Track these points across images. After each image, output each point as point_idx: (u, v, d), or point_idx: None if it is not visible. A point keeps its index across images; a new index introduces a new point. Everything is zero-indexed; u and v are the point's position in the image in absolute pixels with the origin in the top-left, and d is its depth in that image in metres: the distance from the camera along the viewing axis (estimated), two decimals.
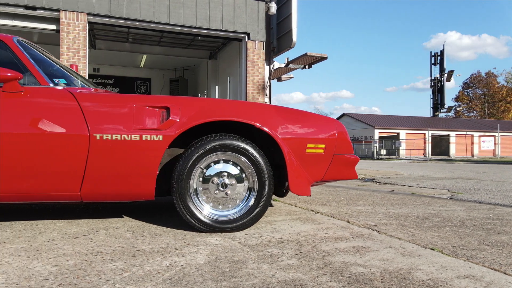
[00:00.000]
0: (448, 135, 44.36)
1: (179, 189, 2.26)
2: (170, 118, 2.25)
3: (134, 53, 13.19)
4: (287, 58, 12.87)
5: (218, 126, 2.54)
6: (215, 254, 1.90)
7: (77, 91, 2.31)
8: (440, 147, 44.72)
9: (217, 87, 13.32)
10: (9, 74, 2.10)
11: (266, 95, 10.97)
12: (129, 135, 2.20)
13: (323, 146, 2.53)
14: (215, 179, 2.38)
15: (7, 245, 2.07)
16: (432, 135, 42.91)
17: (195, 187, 2.33)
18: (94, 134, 2.16)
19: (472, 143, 45.32)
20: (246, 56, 9.89)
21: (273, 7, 10.06)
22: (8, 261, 1.79)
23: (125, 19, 8.66)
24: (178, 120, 2.27)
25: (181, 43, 12.28)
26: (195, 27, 9.25)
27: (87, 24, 8.43)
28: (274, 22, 11.61)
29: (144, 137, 2.22)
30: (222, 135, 2.34)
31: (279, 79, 14.49)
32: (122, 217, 2.89)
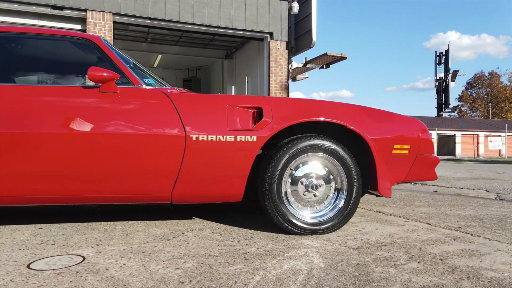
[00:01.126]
0: (454, 135, 44.24)
1: (271, 192, 2.23)
2: (263, 119, 2.22)
3: (150, 53, 13.18)
4: (305, 58, 12.83)
5: (296, 126, 2.51)
6: (327, 257, 1.87)
7: (168, 91, 2.29)
8: (448, 146, 44.62)
9: (233, 87, 13.30)
10: (107, 74, 2.07)
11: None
12: (224, 136, 2.17)
13: (408, 147, 2.50)
14: (304, 180, 2.35)
15: (107, 246, 2.04)
16: (439, 135, 42.82)
17: (285, 189, 2.30)
18: (190, 135, 2.14)
19: (478, 143, 45.20)
20: (269, 56, 9.87)
21: (295, 7, 10.04)
22: (125, 263, 1.77)
23: (150, 18, 8.65)
24: (271, 121, 2.24)
25: (199, 43, 12.26)
26: (218, 27, 9.23)
27: (113, 24, 8.41)
28: (292, 21, 11.57)
29: (238, 138, 2.19)
30: (312, 135, 2.31)
31: (293, 79, 14.45)
32: (193, 218, 2.86)
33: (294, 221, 2.27)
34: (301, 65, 12.54)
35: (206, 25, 9.09)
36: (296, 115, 2.28)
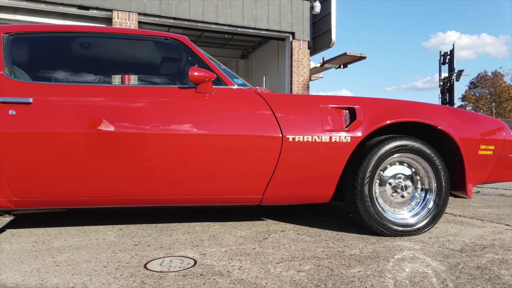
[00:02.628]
0: None
1: (363, 193, 2.21)
2: (357, 119, 2.20)
3: None
4: (323, 58, 12.80)
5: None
6: (439, 259, 1.84)
7: (259, 91, 2.27)
8: None
9: None
10: (206, 74, 2.05)
11: None
12: (320, 137, 2.15)
13: (492, 147, 2.47)
14: (392, 181, 2.33)
15: (206, 248, 2.02)
16: None
17: (375, 190, 2.28)
18: (287, 136, 2.12)
19: None
20: (291, 56, 9.84)
21: (318, 6, 10.01)
22: (241, 266, 1.75)
23: (174, 18, 8.63)
24: (363, 121, 2.21)
25: (216, 43, 12.24)
26: (241, 27, 9.21)
27: (138, 24, 8.39)
28: (310, 21, 11.53)
29: (333, 139, 2.17)
30: (401, 136, 2.29)
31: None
32: (262, 219, 2.84)
33: (385, 222, 2.24)
34: (318, 65, 12.50)
35: (229, 25, 9.07)
36: (387, 116, 2.26)
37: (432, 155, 2.30)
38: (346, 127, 2.20)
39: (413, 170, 2.37)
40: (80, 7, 7.96)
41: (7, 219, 2.14)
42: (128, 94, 2.05)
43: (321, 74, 14.67)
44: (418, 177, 2.37)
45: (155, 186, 2.04)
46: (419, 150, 2.29)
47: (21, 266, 1.76)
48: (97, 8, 8.07)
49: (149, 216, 2.93)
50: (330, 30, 11.05)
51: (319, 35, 11.36)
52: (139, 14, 8.34)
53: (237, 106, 2.14)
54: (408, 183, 2.35)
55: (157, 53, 2.39)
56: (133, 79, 2.38)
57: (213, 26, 8.98)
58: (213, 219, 2.82)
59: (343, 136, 2.18)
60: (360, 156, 2.25)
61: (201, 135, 2.05)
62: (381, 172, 2.31)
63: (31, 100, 1.89)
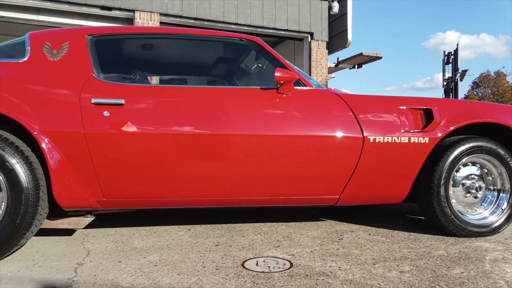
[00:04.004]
0: None
1: (439, 194, 2.21)
2: (434, 120, 2.20)
3: None
4: (337, 58, 12.80)
5: None
6: None
7: (337, 92, 2.27)
8: None
9: None
10: (290, 75, 2.06)
11: None
12: (399, 138, 2.16)
13: None
14: (465, 182, 2.33)
15: (290, 249, 2.03)
16: None
17: (450, 191, 2.29)
18: (368, 137, 2.12)
19: None
20: (310, 56, 9.85)
21: (336, 6, 10.01)
22: (340, 266, 1.76)
23: (195, 19, 8.64)
24: (441, 122, 2.22)
25: None
26: (261, 27, 9.21)
27: (159, 25, 8.41)
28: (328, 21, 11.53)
29: (412, 140, 2.17)
30: (476, 137, 2.29)
31: None
32: (323, 220, 2.84)
33: (461, 223, 2.24)
34: (333, 65, 12.51)
35: (249, 25, 9.07)
36: (463, 117, 2.26)
37: (506, 156, 2.31)
38: (424, 128, 2.21)
39: (485, 170, 2.37)
40: (103, 7, 7.98)
41: (89, 219, 2.15)
42: (213, 95, 2.06)
43: (333, 74, 14.68)
44: (490, 178, 2.38)
45: (240, 187, 2.05)
46: (493, 151, 2.29)
47: (120, 265, 1.77)
48: (119, 9, 8.09)
49: (207, 216, 2.94)
50: (346, 30, 11.06)
51: (335, 35, 11.36)
52: (161, 14, 8.36)
53: (317, 107, 2.14)
54: (481, 183, 2.35)
55: (231, 54, 2.40)
56: (209, 80, 2.39)
57: (233, 26, 8.98)
58: (271, 219, 2.82)
59: (421, 137, 2.18)
60: (435, 157, 2.25)
61: (284, 136, 2.05)
62: (455, 173, 2.32)
63: (123, 101, 1.90)
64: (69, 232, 2.40)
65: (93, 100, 1.88)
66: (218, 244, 2.13)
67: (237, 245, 2.12)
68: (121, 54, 2.21)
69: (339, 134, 2.11)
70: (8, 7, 7.74)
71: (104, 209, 2.05)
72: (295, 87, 2.17)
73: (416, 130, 2.19)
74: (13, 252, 1.91)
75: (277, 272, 1.68)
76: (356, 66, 12.82)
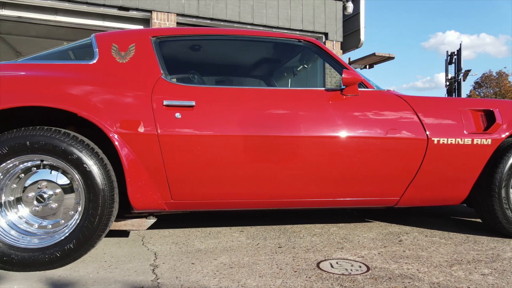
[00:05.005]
0: None
1: (500, 196, 2.21)
2: (496, 121, 2.20)
3: None
4: (349, 58, 12.79)
5: None
6: None
7: (397, 93, 2.27)
8: None
9: None
10: (356, 77, 2.06)
11: None
12: (462, 139, 2.15)
13: None
14: None
15: (355, 250, 2.03)
16: None
17: (511, 193, 2.28)
18: (432, 138, 2.12)
19: None
20: None
21: (350, 7, 10.01)
22: (426, 270, 1.75)
23: (211, 19, 8.64)
24: (502, 123, 2.22)
25: None
26: (276, 27, 9.20)
27: (176, 25, 8.40)
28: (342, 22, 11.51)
29: (475, 141, 2.17)
30: None
31: None
32: (370, 221, 2.84)
33: None
34: None
35: (264, 26, 9.06)
36: None
37: None
38: (485, 129, 2.20)
39: None
40: (120, 8, 7.98)
41: (152, 220, 2.14)
42: (280, 97, 2.06)
43: None
44: None
45: (307, 188, 2.05)
46: None
47: (195, 267, 1.77)
48: (137, 9, 8.09)
49: (254, 217, 2.94)
50: (358, 30, 11.05)
51: (347, 35, 11.34)
52: (178, 14, 8.36)
53: (381, 108, 2.14)
54: None
55: (290, 55, 2.40)
56: (268, 82, 2.39)
57: (249, 26, 8.98)
58: (318, 220, 2.82)
59: (484, 139, 2.18)
60: (496, 158, 2.25)
61: (350, 137, 2.05)
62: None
63: (194, 103, 1.90)
64: (125, 233, 2.40)
65: (165, 102, 1.87)
66: (280, 246, 2.13)
67: (299, 247, 2.12)
68: (185, 55, 2.21)
69: (403, 135, 2.11)
70: (26, 7, 7.75)
71: (169, 211, 2.04)
72: (360, 89, 2.17)
73: (478, 132, 2.19)
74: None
75: (358, 274, 1.68)
76: (367, 66, 12.81)
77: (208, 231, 2.49)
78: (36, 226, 1.82)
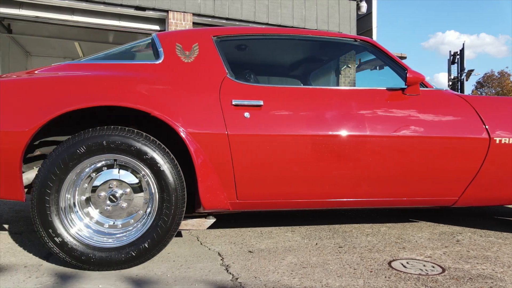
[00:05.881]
0: None
1: None
2: None
3: None
4: (359, 59, 12.78)
5: None
6: None
7: (456, 93, 2.27)
8: None
9: None
10: (419, 76, 2.05)
11: None
12: None
13: None
14: None
15: (426, 250, 2.03)
16: None
17: None
18: (494, 138, 2.11)
19: None
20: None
21: (364, 6, 10.00)
22: (506, 270, 1.75)
23: (227, 19, 8.64)
24: None
25: None
26: (291, 27, 9.20)
27: (192, 25, 8.41)
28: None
29: None
30: None
31: None
32: (416, 221, 2.84)
33: None
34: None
35: (279, 25, 9.07)
36: None
37: None
38: None
39: None
40: (137, 8, 7.99)
41: (211, 220, 2.14)
42: (345, 96, 2.06)
43: None
44: None
45: (370, 188, 2.05)
46: None
47: (268, 267, 1.76)
48: (153, 9, 8.10)
49: (297, 217, 2.93)
50: (371, 29, 11.08)
51: (360, 35, 11.35)
52: (194, 14, 8.36)
53: (443, 108, 2.14)
54: None
55: (346, 55, 2.39)
56: (325, 81, 2.39)
57: (264, 26, 8.98)
58: (362, 220, 2.82)
59: None
60: None
61: (413, 137, 2.05)
62: None
63: (262, 102, 1.89)
64: (178, 233, 2.40)
65: (234, 102, 1.87)
66: (341, 246, 2.13)
67: (359, 246, 2.12)
68: (244, 54, 2.21)
69: (465, 135, 2.10)
70: (43, 7, 7.75)
71: (233, 211, 2.04)
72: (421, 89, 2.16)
73: None
74: None
75: (435, 275, 1.67)
76: (377, 68, 12.79)
77: (259, 231, 2.48)
78: (107, 226, 1.81)
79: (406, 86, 2.10)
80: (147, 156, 1.72)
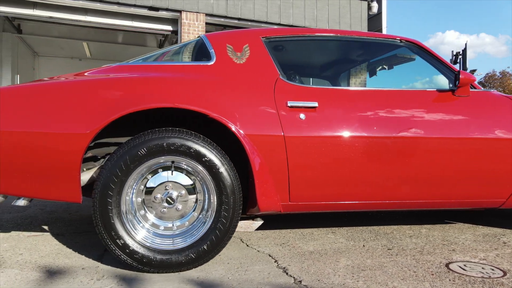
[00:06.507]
0: None
1: None
2: None
3: None
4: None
5: None
6: None
7: (501, 94, 2.26)
8: None
9: None
10: (470, 77, 2.05)
11: None
12: None
13: None
14: None
15: (479, 252, 2.01)
16: None
17: None
18: None
19: None
20: None
21: (375, 7, 9.99)
22: None
23: (239, 19, 8.63)
24: None
25: None
26: (303, 27, 9.19)
27: (205, 25, 8.40)
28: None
29: None
30: None
31: None
32: (452, 223, 2.82)
33: None
34: None
35: (291, 25, 9.06)
36: None
37: None
38: None
39: None
40: (150, 8, 7.98)
41: (259, 222, 2.13)
42: (396, 97, 2.05)
43: None
44: None
45: (421, 190, 2.03)
46: None
47: (326, 269, 1.75)
48: (166, 9, 8.09)
49: (330, 218, 2.92)
50: (381, 30, 11.04)
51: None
52: (206, 14, 8.35)
53: (493, 109, 2.13)
54: None
55: (390, 56, 2.39)
56: (374, 82, 2.39)
57: (276, 26, 8.96)
58: (403, 221, 2.81)
59: None
60: None
61: (464, 139, 2.04)
62: None
63: (316, 104, 1.88)
64: None
65: (289, 103, 1.86)
66: (389, 248, 2.12)
67: (408, 248, 2.10)
68: (292, 55, 2.20)
69: None
70: (57, 7, 7.74)
71: (283, 212, 2.03)
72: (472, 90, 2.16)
73: None
74: None
75: (499, 278, 1.66)
76: (386, 67, 12.77)
77: (299, 232, 2.47)
78: (162, 228, 1.81)
79: (456, 88, 2.09)
80: (206, 158, 1.71)
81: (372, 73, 2.75)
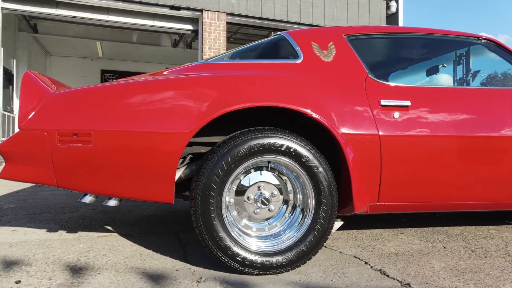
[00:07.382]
0: None
1: None
2: None
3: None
4: None
5: None
6: None
7: None
8: None
9: None
10: None
11: None
12: None
13: None
14: None
15: None
16: None
17: None
18: None
19: None
20: None
21: (394, 6, 9.96)
22: None
23: (260, 18, 8.61)
24: None
25: None
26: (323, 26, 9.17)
27: (226, 24, 8.37)
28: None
29: None
30: None
31: None
32: (509, 223, 2.79)
33: None
34: None
35: (311, 25, 9.03)
36: None
37: None
38: None
39: None
40: (172, 7, 7.96)
41: (339, 223, 2.10)
42: (484, 96, 2.02)
43: None
44: None
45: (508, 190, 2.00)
46: None
47: (425, 272, 1.71)
48: (188, 9, 8.07)
49: (384, 219, 2.89)
50: None
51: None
52: (227, 14, 8.33)
53: None
54: None
55: (468, 54, 2.36)
56: (452, 81, 2.36)
57: (295, 26, 8.94)
58: (451, 223, 2.77)
59: None
60: None
61: None
62: None
63: (409, 103, 1.85)
64: None
65: (383, 102, 1.82)
66: (473, 250, 2.08)
67: (491, 251, 2.06)
68: (376, 53, 2.17)
69: None
70: (80, 7, 7.73)
71: (368, 213, 1.99)
72: None
73: None
74: None
75: None
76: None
77: (368, 233, 2.44)
78: (254, 229, 1.77)
79: None
80: (305, 158, 1.68)
81: (453, 71, 2.71)
